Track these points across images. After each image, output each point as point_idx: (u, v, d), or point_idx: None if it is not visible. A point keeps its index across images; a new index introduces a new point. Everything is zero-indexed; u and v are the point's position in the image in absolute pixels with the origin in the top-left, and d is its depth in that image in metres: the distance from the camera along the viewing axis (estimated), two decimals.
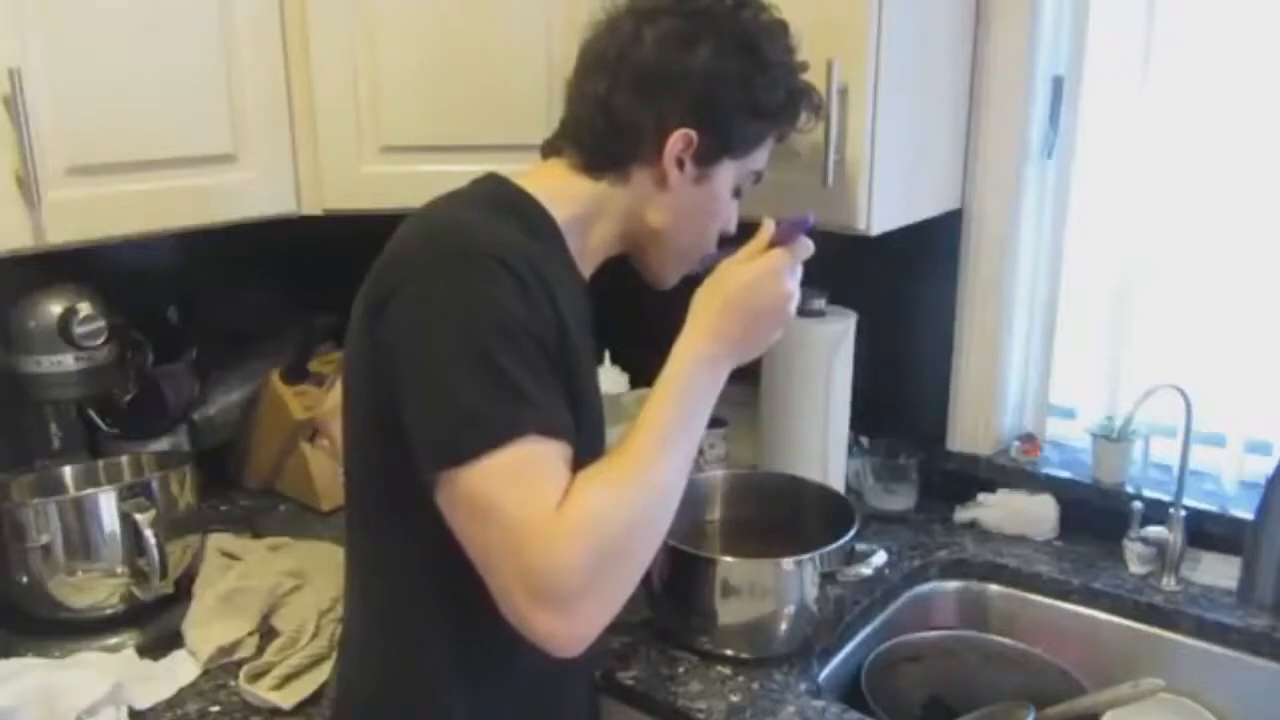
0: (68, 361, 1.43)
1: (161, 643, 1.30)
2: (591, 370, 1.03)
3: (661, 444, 0.89)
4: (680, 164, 1.00)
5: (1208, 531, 1.45)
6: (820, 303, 1.52)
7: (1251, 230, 1.43)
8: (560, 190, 1.00)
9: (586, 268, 1.04)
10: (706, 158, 1.01)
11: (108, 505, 1.28)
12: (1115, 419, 1.53)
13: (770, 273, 0.96)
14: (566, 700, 1.09)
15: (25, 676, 1.19)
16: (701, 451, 1.63)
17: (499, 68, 1.42)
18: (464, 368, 0.83)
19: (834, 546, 1.24)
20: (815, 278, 1.54)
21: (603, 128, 0.99)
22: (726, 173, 1.04)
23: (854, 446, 1.62)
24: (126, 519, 1.28)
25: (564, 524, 0.81)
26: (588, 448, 0.91)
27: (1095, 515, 1.53)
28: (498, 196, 0.98)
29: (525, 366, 0.84)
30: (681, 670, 1.25)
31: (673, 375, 0.92)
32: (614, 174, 1.01)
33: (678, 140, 0.98)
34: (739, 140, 1.03)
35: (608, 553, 0.82)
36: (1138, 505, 1.45)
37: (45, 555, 1.26)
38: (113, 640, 1.30)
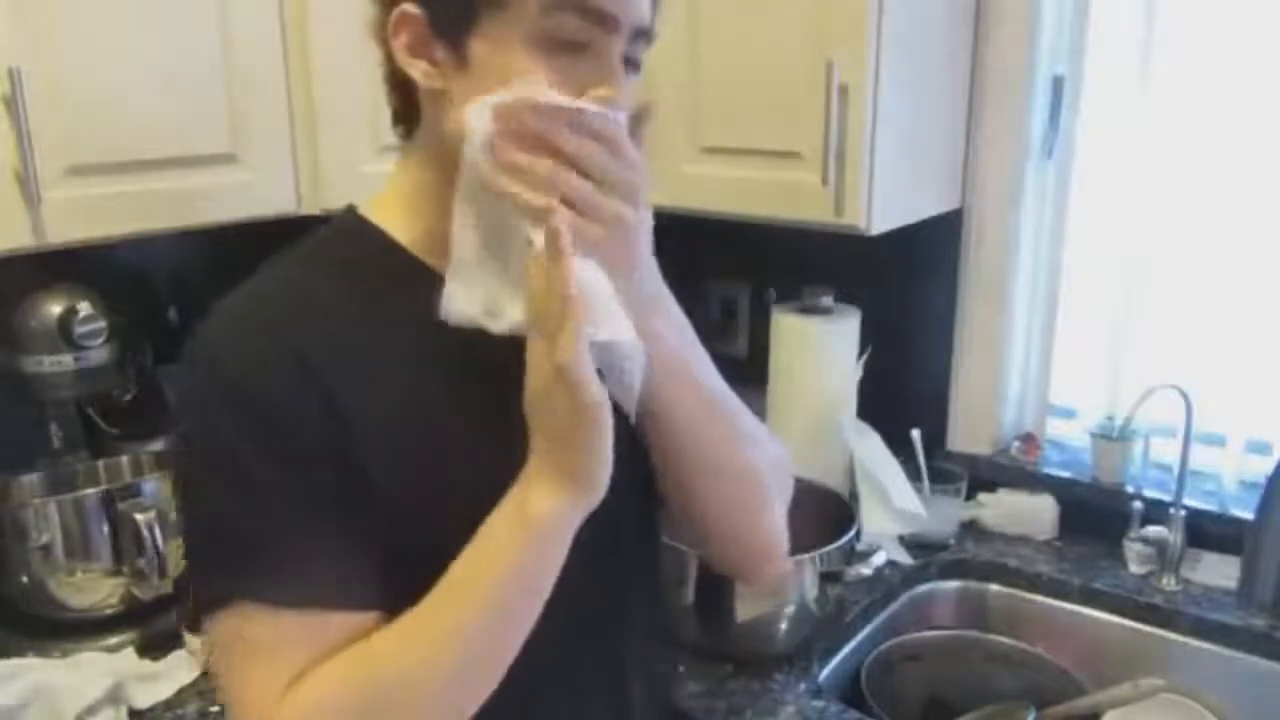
0: (68, 361, 1.43)
1: (161, 643, 1.30)
2: (426, 397, 0.77)
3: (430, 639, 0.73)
4: (416, 52, 0.75)
5: (1208, 531, 1.45)
6: (827, 300, 1.52)
7: (1252, 230, 1.43)
8: (395, 190, 0.83)
9: None
10: (450, 27, 0.73)
11: (108, 505, 1.28)
12: (1115, 419, 1.53)
13: (543, 375, 0.69)
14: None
15: (25, 676, 1.19)
16: None
17: None
18: (190, 514, 0.75)
19: (834, 546, 1.24)
20: (819, 276, 1.56)
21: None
22: (496, 34, 0.72)
23: None
24: (126, 519, 1.28)
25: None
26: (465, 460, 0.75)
27: (1095, 515, 1.53)
28: (323, 238, 0.85)
29: (253, 510, 0.70)
30: (681, 670, 1.25)
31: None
32: (405, 122, 0.82)
33: (396, 26, 0.75)
34: None
35: None
36: (1138, 505, 1.45)
37: (45, 555, 1.26)
38: (113, 640, 1.30)
